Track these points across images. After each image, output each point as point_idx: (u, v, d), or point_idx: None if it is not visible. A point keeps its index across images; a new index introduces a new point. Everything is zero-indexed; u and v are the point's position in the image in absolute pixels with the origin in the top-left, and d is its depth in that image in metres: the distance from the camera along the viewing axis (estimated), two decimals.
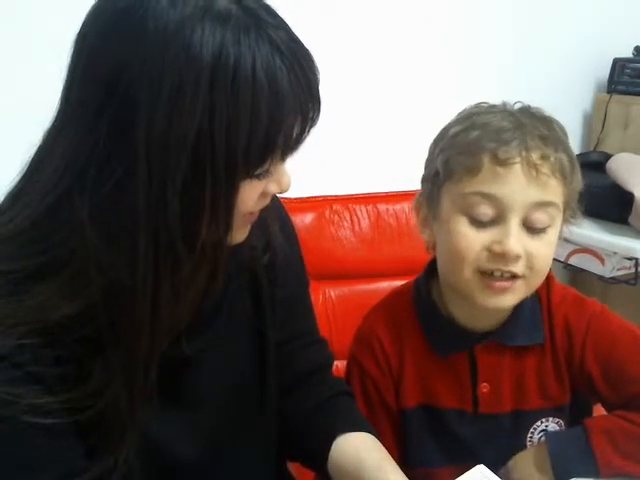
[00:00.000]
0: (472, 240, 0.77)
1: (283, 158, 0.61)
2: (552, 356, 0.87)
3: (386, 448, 0.79)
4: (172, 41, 0.52)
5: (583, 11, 2.11)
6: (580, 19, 2.11)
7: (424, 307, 0.90)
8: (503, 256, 0.76)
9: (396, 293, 0.96)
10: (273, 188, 0.63)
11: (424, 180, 0.86)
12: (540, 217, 0.77)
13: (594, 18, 2.13)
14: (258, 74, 0.53)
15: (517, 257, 0.76)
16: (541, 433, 0.88)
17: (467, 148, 0.78)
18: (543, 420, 0.88)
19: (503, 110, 0.81)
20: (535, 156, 0.76)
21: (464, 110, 0.85)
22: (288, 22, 0.60)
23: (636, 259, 1.68)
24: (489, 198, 0.76)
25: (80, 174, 0.55)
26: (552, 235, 0.80)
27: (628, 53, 2.15)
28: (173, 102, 0.52)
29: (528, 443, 0.89)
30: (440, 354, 0.87)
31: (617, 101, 2.12)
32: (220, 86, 0.53)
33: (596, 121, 2.16)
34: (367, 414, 0.88)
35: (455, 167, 0.78)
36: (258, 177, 0.59)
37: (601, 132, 2.12)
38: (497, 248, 0.76)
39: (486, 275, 0.78)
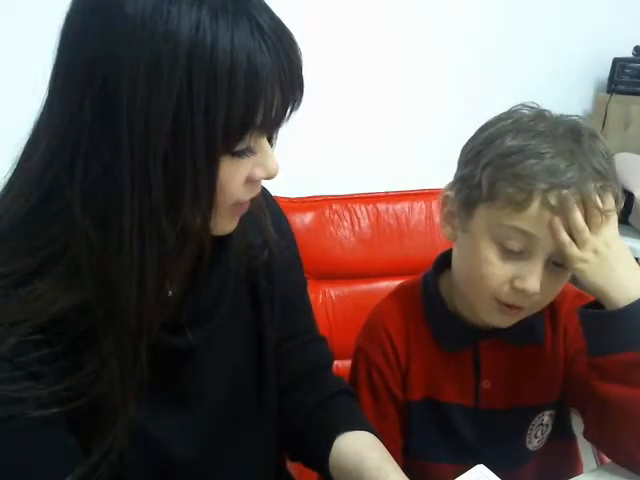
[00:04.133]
0: (497, 271, 0.79)
1: (264, 136, 0.61)
2: (553, 353, 0.89)
3: (392, 434, 0.79)
4: (150, 21, 0.53)
5: (583, 11, 2.11)
6: (580, 19, 2.11)
7: (431, 303, 0.91)
8: (522, 291, 0.78)
9: (405, 287, 0.97)
10: (260, 173, 0.63)
11: (461, 179, 0.82)
12: None
13: (594, 18, 2.13)
14: (236, 50, 0.54)
15: (534, 294, 0.78)
16: (539, 428, 0.89)
17: (518, 181, 0.75)
18: (540, 415, 0.89)
19: (561, 136, 0.77)
20: (588, 204, 0.75)
21: (517, 111, 0.82)
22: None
23: (636, 259, 1.68)
24: (526, 235, 0.76)
25: (68, 162, 0.56)
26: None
27: (628, 53, 2.15)
28: (152, 80, 0.53)
29: (527, 439, 0.90)
30: (445, 349, 0.88)
31: (617, 101, 2.12)
32: (198, 63, 0.53)
33: (596, 121, 2.15)
34: (372, 404, 0.89)
35: (501, 194, 0.76)
36: (240, 155, 0.59)
37: (601, 132, 2.10)
38: (518, 284, 0.78)
39: (500, 302, 0.80)
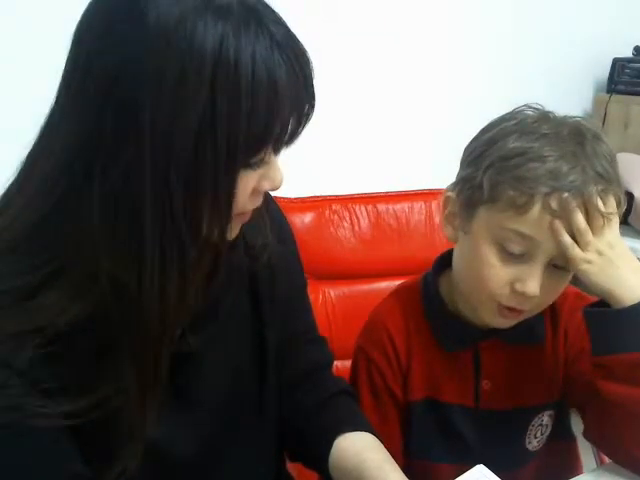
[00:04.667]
0: (497, 273, 0.78)
1: (276, 151, 0.62)
2: (553, 353, 0.89)
3: (392, 435, 0.79)
4: (174, 34, 0.52)
5: (583, 11, 2.11)
6: (580, 19, 2.11)
7: (431, 303, 0.91)
8: (522, 294, 0.78)
9: (405, 287, 0.97)
10: (266, 185, 0.63)
11: (463, 180, 0.82)
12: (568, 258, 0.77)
13: (594, 18, 2.13)
14: (258, 66, 0.54)
15: (534, 297, 0.78)
16: (539, 428, 0.90)
17: (520, 184, 0.75)
18: (539, 415, 0.89)
19: (564, 138, 0.77)
20: (589, 207, 0.75)
21: (521, 112, 0.81)
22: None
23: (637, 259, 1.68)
24: (527, 238, 0.76)
25: (86, 172, 0.55)
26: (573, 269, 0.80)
27: (628, 53, 2.15)
28: (176, 93, 0.53)
29: (527, 440, 0.90)
30: (445, 349, 0.88)
31: (617, 101, 2.12)
32: (222, 78, 0.53)
33: (596, 121, 2.15)
34: (373, 404, 0.89)
35: (502, 196, 0.76)
36: (252, 167, 0.60)
37: None
38: (518, 287, 0.78)
39: (500, 304, 0.80)
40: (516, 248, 0.77)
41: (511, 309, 0.80)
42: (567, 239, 0.75)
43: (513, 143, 0.77)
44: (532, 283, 0.77)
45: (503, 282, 0.78)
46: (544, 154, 0.75)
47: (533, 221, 0.75)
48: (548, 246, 0.76)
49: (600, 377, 0.77)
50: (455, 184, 0.84)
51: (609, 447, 0.83)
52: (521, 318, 0.83)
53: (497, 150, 0.78)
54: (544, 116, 0.80)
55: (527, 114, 0.81)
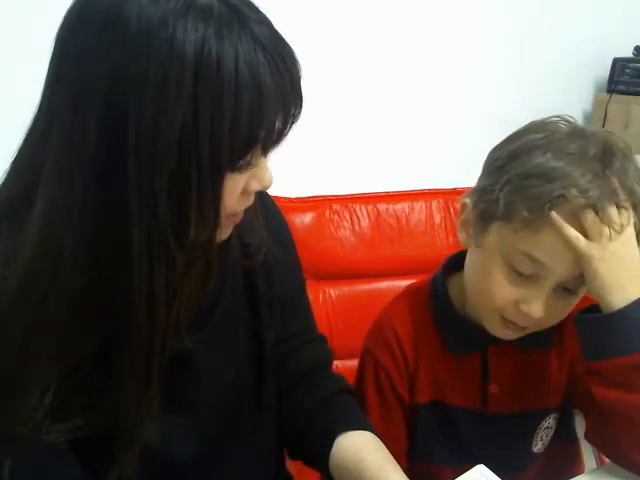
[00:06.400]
0: (504, 291, 0.78)
1: (264, 152, 0.61)
2: (560, 357, 0.88)
3: (397, 437, 0.79)
4: (155, 38, 0.52)
5: (583, 11, 2.11)
6: (580, 19, 2.11)
7: (440, 305, 0.90)
8: (526, 315, 0.77)
9: (413, 289, 0.95)
10: (255, 185, 0.63)
11: (481, 191, 0.80)
12: (578, 282, 0.77)
13: (594, 18, 2.13)
14: (241, 68, 0.54)
15: (539, 319, 0.78)
16: (545, 431, 0.89)
17: (535, 203, 0.73)
18: (546, 418, 0.89)
19: (590, 158, 0.73)
20: (603, 218, 0.73)
21: (552, 123, 0.78)
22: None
23: None
24: (537, 261, 0.75)
25: (73, 174, 0.55)
26: (583, 291, 0.79)
27: (628, 53, 2.16)
28: (159, 98, 0.53)
29: (534, 442, 0.90)
30: (453, 353, 0.88)
31: (617, 101, 2.12)
32: (204, 81, 0.53)
33: (596, 121, 2.16)
34: (379, 406, 0.88)
35: (517, 216, 0.74)
36: (239, 169, 0.59)
37: None
38: (523, 308, 0.77)
39: (504, 318, 0.80)
40: (526, 269, 0.76)
41: (515, 323, 0.80)
42: (571, 231, 0.72)
43: (535, 160, 0.74)
44: (537, 306, 0.77)
45: (508, 300, 0.78)
46: (565, 175, 0.72)
47: (545, 244, 0.74)
48: (559, 272, 0.75)
49: (594, 383, 0.77)
50: (473, 192, 0.83)
51: (609, 450, 0.82)
52: (525, 332, 0.82)
53: (518, 166, 0.75)
54: (574, 132, 0.77)
55: (557, 127, 0.78)
